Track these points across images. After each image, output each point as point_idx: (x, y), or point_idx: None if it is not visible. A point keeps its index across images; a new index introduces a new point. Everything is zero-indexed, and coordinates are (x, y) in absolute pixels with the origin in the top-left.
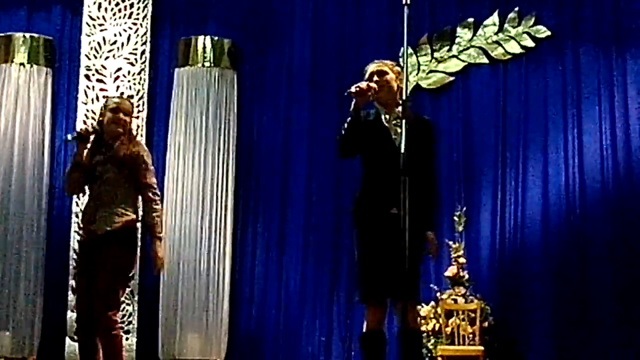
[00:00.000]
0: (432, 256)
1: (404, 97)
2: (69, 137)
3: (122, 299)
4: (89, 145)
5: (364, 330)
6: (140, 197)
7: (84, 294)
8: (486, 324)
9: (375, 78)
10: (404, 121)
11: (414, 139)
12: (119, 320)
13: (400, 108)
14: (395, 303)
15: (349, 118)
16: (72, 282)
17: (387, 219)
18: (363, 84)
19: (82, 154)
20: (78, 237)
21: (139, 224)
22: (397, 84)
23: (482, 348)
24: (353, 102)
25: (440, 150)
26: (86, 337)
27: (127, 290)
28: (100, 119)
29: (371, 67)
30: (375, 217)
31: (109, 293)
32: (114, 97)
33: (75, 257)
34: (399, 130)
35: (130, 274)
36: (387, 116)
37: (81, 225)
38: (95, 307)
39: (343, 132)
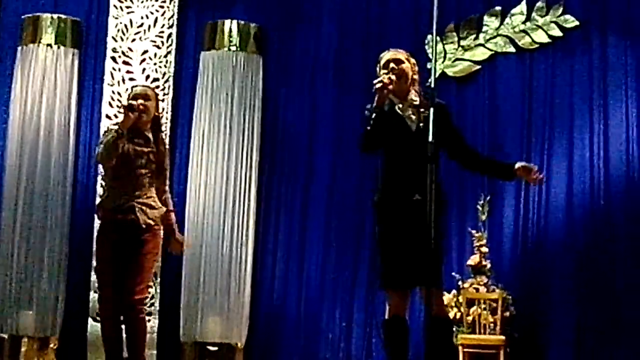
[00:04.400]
0: (534, 183)
1: (432, 85)
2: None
3: None
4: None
5: (386, 316)
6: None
7: (112, 277)
8: (507, 313)
9: (392, 65)
10: (431, 110)
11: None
12: (147, 303)
13: (411, 96)
14: (421, 291)
15: (374, 114)
16: (94, 263)
17: (410, 205)
18: (385, 78)
19: (128, 125)
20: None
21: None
22: (411, 74)
23: (503, 338)
24: (377, 97)
25: (465, 138)
26: (112, 318)
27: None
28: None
29: (387, 55)
30: (398, 204)
31: (144, 277)
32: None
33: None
34: (413, 118)
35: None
36: (401, 105)
37: (111, 208)
38: (127, 289)
39: (369, 127)
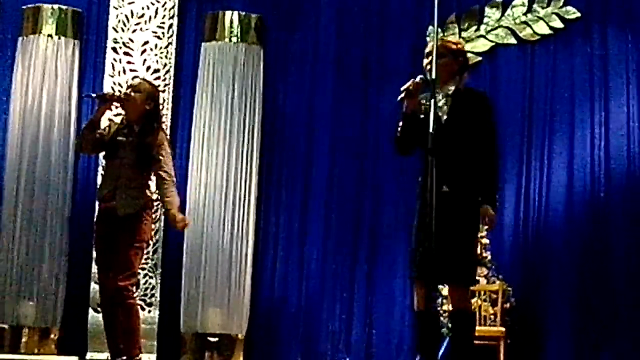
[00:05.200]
0: (487, 229)
1: (433, 77)
2: (93, 94)
3: (145, 272)
4: (110, 111)
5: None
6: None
7: (104, 265)
8: (508, 305)
9: (431, 59)
10: (432, 101)
11: (463, 113)
12: (135, 291)
13: (448, 86)
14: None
15: (401, 121)
16: (95, 254)
17: (438, 197)
18: (410, 85)
19: (100, 114)
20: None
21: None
22: (450, 68)
23: (503, 329)
24: (405, 104)
25: (487, 141)
26: (109, 307)
27: (151, 263)
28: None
29: (431, 44)
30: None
31: (128, 265)
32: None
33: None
34: (445, 109)
35: (147, 246)
36: (438, 95)
37: (100, 197)
38: (112, 277)
39: (398, 133)
